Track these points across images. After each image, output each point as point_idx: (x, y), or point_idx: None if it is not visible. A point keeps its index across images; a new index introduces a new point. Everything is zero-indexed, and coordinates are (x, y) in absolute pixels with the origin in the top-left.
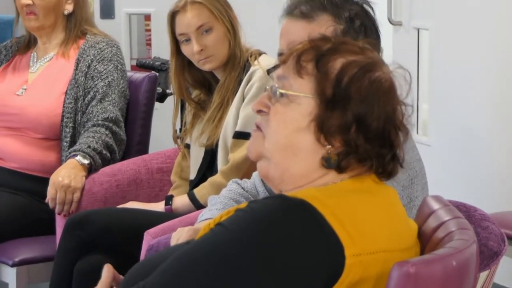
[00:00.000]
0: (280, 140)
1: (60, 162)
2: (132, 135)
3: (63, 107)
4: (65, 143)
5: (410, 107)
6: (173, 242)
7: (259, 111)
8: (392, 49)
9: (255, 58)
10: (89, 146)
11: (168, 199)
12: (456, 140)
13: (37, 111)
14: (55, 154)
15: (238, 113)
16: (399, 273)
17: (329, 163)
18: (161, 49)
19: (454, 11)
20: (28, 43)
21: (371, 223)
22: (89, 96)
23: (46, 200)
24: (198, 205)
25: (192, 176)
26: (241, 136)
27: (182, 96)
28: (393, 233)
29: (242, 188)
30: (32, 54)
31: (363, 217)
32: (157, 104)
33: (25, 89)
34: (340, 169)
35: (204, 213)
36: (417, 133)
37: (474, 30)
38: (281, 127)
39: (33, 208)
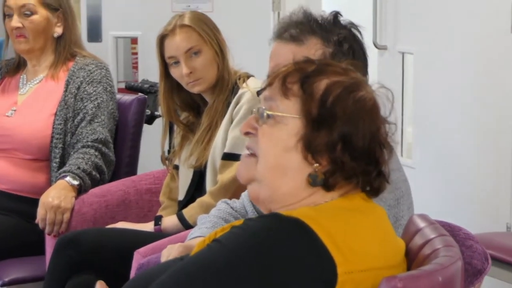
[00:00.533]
0: (269, 160)
1: (49, 183)
2: (121, 157)
3: (53, 128)
4: (55, 164)
5: (393, 125)
6: (163, 259)
7: (247, 133)
8: (377, 72)
9: (244, 81)
10: (78, 167)
11: (157, 219)
12: (440, 163)
13: (27, 132)
14: (44, 175)
15: (227, 135)
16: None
17: (315, 181)
18: (148, 72)
19: (439, 36)
20: (18, 66)
21: (362, 241)
22: (79, 118)
23: (36, 221)
24: (187, 225)
25: (181, 197)
26: (230, 157)
27: (171, 118)
28: (383, 250)
29: (232, 207)
30: (21, 76)
31: (354, 236)
32: (145, 126)
33: (15, 110)
34: (327, 187)
35: (193, 232)
36: (402, 155)
37: (458, 54)
38: (270, 148)
39: (23, 229)
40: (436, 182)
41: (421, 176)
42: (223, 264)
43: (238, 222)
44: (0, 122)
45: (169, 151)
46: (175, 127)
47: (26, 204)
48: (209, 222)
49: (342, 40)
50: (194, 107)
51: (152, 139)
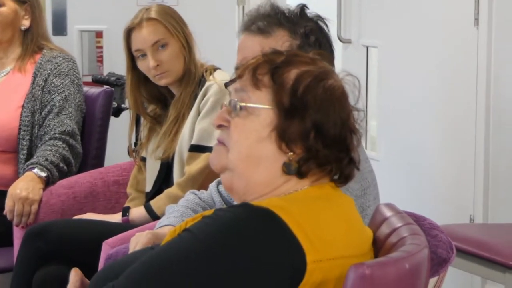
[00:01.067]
0: (243, 151)
1: (16, 175)
2: (88, 149)
3: (20, 120)
4: (22, 156)
5: (362, 111)
6: (131, 246)
7: (219, 126)
8: (341, 66)
9: (210, 73)
10: (46, 159)
11: (125, 211)
12: (404, 156)
13: None
14: (11, 167)
15: (194, 127)
16: (355, 275)
17: (290, 169)
18: (113, 66)
19: (403, 29)
20: None
21: (331, 230)
22: (46, 110)
23: (4, 213)
24: (155, 216)
25: (148, 188)
26: (197, 149)
27: (138, 111)
28: (350, 239)
29: (199, 198)
30: None
31: (323, 225)
32: (112, 119)
33: None
34: (300, 174)
35: (162, 221)
36: (366, 148)
37: (422, 47)
38: (242, 139)
39: None
40: (400, 175)
41: (385, 168)
42: (194, 254)
43: (208, 212)
44: None
45: (135, 144)
46: (142, 119)
47: None
48: (177, 212)
49: (309, 32)
50: (161, 100)
51: (119, 131)
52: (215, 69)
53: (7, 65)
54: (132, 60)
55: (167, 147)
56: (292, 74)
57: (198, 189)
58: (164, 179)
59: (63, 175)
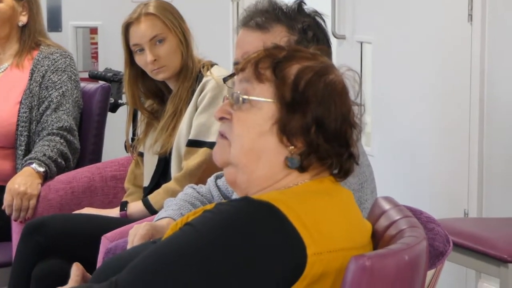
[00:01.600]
0: (245, 144)
1: (15, 171)
2: (85, 144)
3: (18, 116)
4: (20, 152)
5: (362, 106)
6: (130, 238)
7: (221, 119)
8: (336, 62)
9: (208, 69)
10: (44, 154)
11: (123, 205)
12: (398, 151)
13: None
14: (10, 162)
15: (191, 122)
16: (356, 266)
17: (293, 163)
18: (108, 62)
19: (397, 25)
20: None
21: (330, 223)
22: (44, 106)
23: (3, 207)
24: (153, 211)
25: (146, 183)
26: (194, 144)
27: (136, 106)
28: (350, 232)
29: (198, 192)
30: None
31: (323, 218)
32: (109, 114)
33: None
34: (302, 168)
35: (160, 213)
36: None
37: (416, 43)
38: (244, 132)
39: None
40: (394, 170)
41: (379, 164)
42: (195, 248)
43: (209, 206)
44: None
45: (132, 139)
46: (139, 114)
47: None
48: (175, 205)
49: (307, 28)
50: (159, 95)
51: (116, 127)
52: (212, 64)
53: (5, 61)
54: (130, 55)
55: (165, 142)
56: (293, 69)
57: (196, 184)
58: (161, 174)
59: (61, 170)
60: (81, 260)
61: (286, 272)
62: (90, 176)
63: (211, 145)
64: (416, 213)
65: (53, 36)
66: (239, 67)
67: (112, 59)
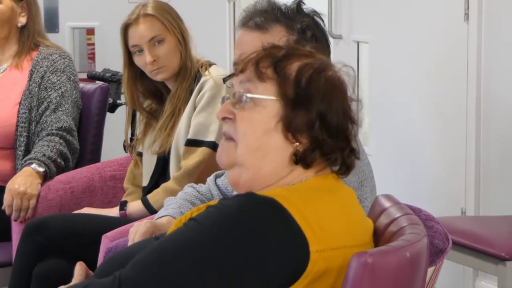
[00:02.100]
0: (251, 143)
1: (14, 171)
2: (84, 144)
3: (18, 117)
4: (20, 152)
5: (359, 101)
6: (131, 236)
7: (224, 119)
8: (332, 61)
9: (206, 69)
10: (44, 155)
11: (123, 205)
12: (395, 150)
13: None
14: (9, 162)
15: (190, 121)
16: (358, 263)
17: (297, 159)
18: (105, 62)
19: (393, 25)
20: None
21: (333, 220)
22: (43, 106)
23: (3, 207)
24: (152, 210)
25: (145, 183)
26: (193, 143)
27: (135, 106)
28: (352, 229)
29: (198, 191)
30: None
31: (325, 215)
32: (108, 115)
33: None
34: (306, 164)
35: (160, 212)
36: None
37: (413, 42)
38: (250, 131)
39: None
40: (392, 169)
41: (377, 163)
42: (199, 242)
43: (213, 202)
44: None
45: (131, 139)
46: (138, 114)
47: None
48: (175, 204)
49: (305, 27)
50: (157, 95)
51: (115, 127)
52: (210, 64)
53: (4, 62)
54: (128, 55)
55: (164, 142)
56: (294, 66)
57: (195, 183)
58: (160, 174)
59: (61, 170)
60: (81, 260)
61: (289, 268)
62: (89, 176)
63: (209, 144)
64: (416, 211)
65: (50, 37)
66: (239, 68)
67: (109, 59)
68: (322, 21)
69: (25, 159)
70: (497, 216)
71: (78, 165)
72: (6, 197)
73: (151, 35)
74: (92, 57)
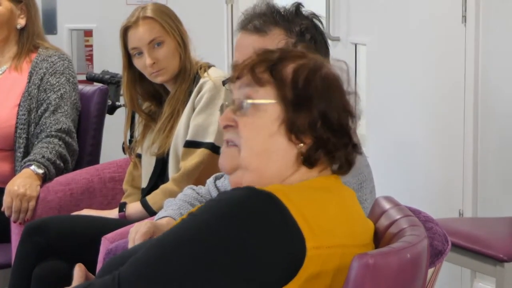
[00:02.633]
0: (255, 148)
1: (14, 173)
2: (83, 146)
3: (17, 118)
4: (19, 154)
5: (357, 94)
6: (131, 236)
7: (226, 127)
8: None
9: (205, 71)
10: (43, 156)
11: (122, 206)
12: (393, 152)
13: None
14: (9, 164)
15: (189, 123)
16: (359, 264)
17: (304, 159)
18: (103, 64)
19: (391, 27)
20: None
21: (331, 219)
22: (42, 108)
23: (2, 209)
24: (151, 212)
25: (144, 184)
26: (192, 145)
27: (134, 108)
28: (350, 229)
29: (197, 193)
30: None
31: (324, 213)
32: (106, 116)
33: None
34: (310, 164)
35: (160, 213)
36: None
37: (410, 45)
38: (253, 136)
39: None
40: (389, 171)
41: (374, 165)
42: (195, 235)
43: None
44: None
45: (130, 141)
46: (137, 116)
47: None
48: (175, 205)
49: (304, 30)
50: (156, 97)
51: (114, 128)
52: (209, 66)
53: (3, 64)
54: (128, 58)
55: (162, 143)
56: (289, 68)
57: (196, 185)
58: (159, 175)
59: (60, 172)
60: (80, 261)
61: (284, 263)
62: (88, 177)
63: (208, 145)
64: (415, 213)
65: (48, 38)
66: (235, 75)
67: (107, 61)
68: (321, 23)
69: (24, 160)
70: (495, 217)
71: (77, 166)
72: (6, 199)
73: (151, 37)
74: (90, 59)
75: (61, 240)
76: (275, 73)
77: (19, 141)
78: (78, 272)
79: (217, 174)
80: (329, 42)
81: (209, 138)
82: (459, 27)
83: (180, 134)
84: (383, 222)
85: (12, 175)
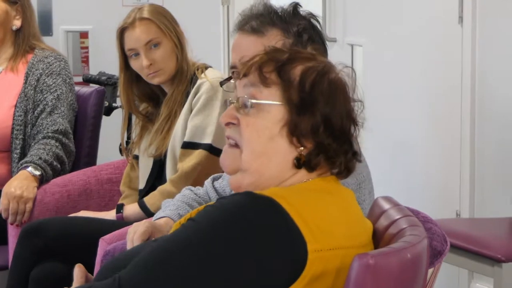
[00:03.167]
0: (256, 149)
1: (10, 174)
2: (80, 147)
3: (13, 119)
4: (15, 155)
5: (361, 102)
6: (129, 236)
7: (227, 124)
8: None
9: (202, 71)
10: (40, 158)
11: (119, 208)
12: (390, 152)
13: None
14: (5, 166)
15: (186, 124)
16: (359, 264)
17: (299, 163)
18: (99, 66)
19: (387, 28)
20: None
21: (331, 221)
22: (39, 109)
23: None
24: (149, 213)
25: (141, 185)
26: (190, 146)
27: (131, 109)
28: (350, 231)
29: (195, 194)
30: None
31: (324, 215)
32: (103, 118)
33: None
34: (310, 168)
35: (158, 214)
36: None
37: (407, 45)
38: (254, 137)
39: None
40: (386, 171)
41: (371, 165)
42: (196, 241)
43: (212, 202)
44: None
45: (127, 142)
46: (134, 118)
47: None
48: (173, 205)
49: (302, 30)
50: (153, 98)
51: (110, 130)
52: (206, 67)
53: None
54: (125, 59)
55: (160, 144)
56: (297, 70)
57: (194, 186)
58: (157, 176)
59: (57, 173)
60: (79, 263)
61: (287, 267)
62: (85, 179)
63: (206, 146)
64: (414, 213)
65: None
66: (242, 72)
67: (103, 63)
68: (319, 23)
69: (21, 162)
70: (492, 218)
71: (74, 168)
72: (3, 201)
73: (147, 38)
74: (85, 60)
75: (58, 242)
76: (283, 73)
77: (16, 142)
78: (78, 272)
79: (215, 175)
80: (326, 43)
81: (207, 139)
82: (456, 28)
83: (177, 135)
84: (383, 222)
85: (9, 176)
